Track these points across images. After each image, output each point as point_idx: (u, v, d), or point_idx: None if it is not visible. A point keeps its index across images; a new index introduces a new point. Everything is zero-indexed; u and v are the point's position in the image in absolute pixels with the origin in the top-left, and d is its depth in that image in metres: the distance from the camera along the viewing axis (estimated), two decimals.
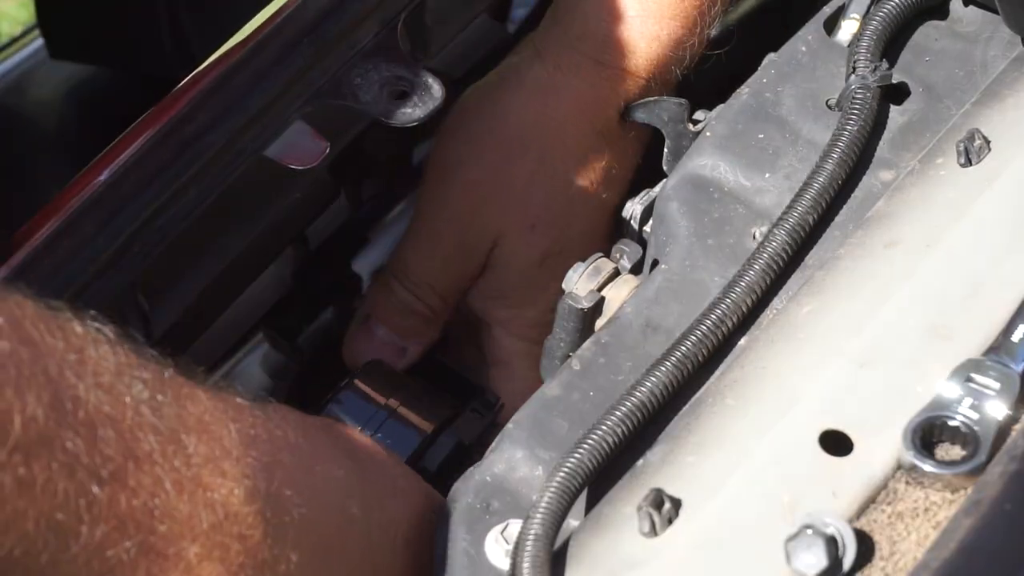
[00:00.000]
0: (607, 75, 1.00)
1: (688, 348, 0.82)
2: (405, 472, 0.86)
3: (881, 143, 0.91)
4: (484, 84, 1.01)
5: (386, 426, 0.94)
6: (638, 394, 0.80)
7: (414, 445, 0.94)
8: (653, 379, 0.80)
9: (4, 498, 0.58)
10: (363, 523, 0.78)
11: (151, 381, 0.67)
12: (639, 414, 0.79)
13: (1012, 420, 0.76)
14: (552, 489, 0.76)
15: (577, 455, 0.77)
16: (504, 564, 0.78)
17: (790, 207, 0.87)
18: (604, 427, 0.78)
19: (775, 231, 0.86)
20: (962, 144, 0.87)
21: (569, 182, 1.03)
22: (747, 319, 0.85)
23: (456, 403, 0.99)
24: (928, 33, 0.96)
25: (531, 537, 0.75)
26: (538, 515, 0.75)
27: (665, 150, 1.02)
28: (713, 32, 1.02)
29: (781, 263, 0.85)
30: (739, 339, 0.84)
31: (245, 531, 0.69)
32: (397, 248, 1.06)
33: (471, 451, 0.95)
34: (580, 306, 0.89)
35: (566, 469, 0.77)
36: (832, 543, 0.71)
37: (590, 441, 0.78)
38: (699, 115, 1.01)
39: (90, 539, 0.62)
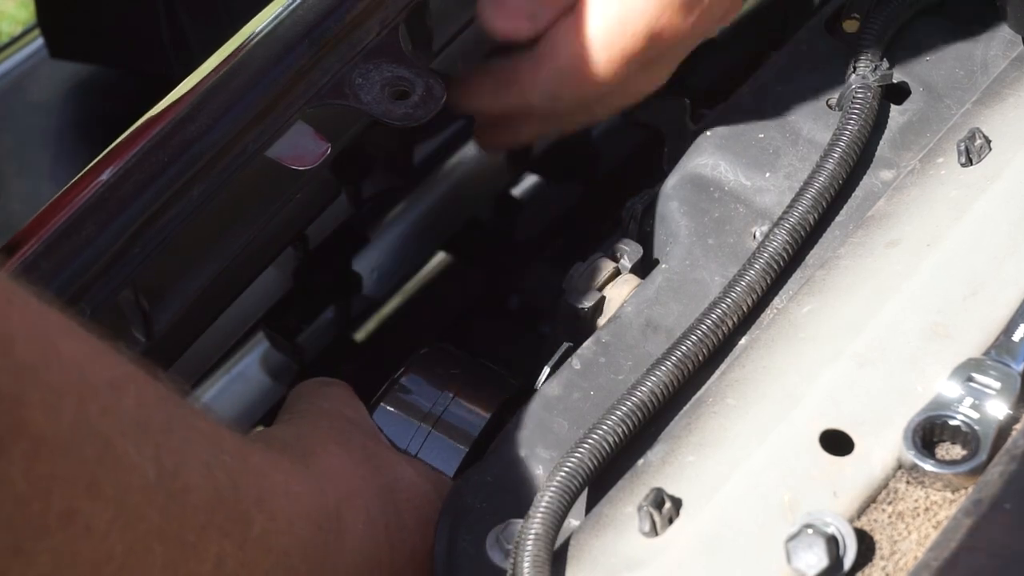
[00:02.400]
0: None
1: (688, 348, 0.82)
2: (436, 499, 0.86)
3: (882, 143, 0.91)
4: None
5: (444, 418, 0.92)
6: (639, 394, 0.80)
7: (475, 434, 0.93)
8: (653, 379, 0.81)
9: None
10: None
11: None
12: (639, 414, 0.79)
13: (1012, 420, 0.76)
14: (552, 489, 0.76)
15: (577, 455, 0.77)
16: (504, 564, 0.78)
17: (790, 207, 0.87)
18: (604, 427, 0.79)
19: (775, 231, 0.86)
20: (963, 143, 0.87)
21: None
22: (747, 319, 0.85)
23: (510, 383, 0.97)
24: (929, 32, 0.96)
25: (531, 537, 0.75)
26: (538, 515, 0.75)
27: (665, 150, 1.02)
28: None
29: (781, 263, 0.85)
30: (740, 339, 0.85)
31: None
32: None
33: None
34: (580, 305, 0.89)
35: (566, 469, 0.77)
36: (833, 542, 0.71)
37: (590, 441, 0.78)
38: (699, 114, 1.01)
39: None
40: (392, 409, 0.91)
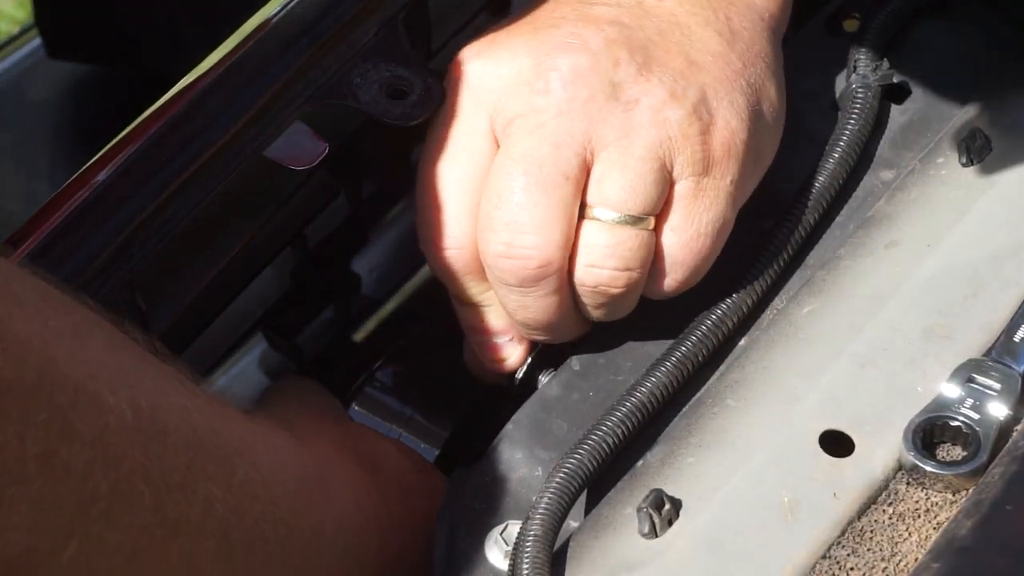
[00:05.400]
0: None
1: (688, 348, 0.82)
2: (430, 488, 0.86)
3: (882, 142, 0.91)
4: None
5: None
6: (638, 395, 0.80)
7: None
8: (653, 380, 0.80)
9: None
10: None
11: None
12: (639, 415, 0.79)
13: (1013, 421, 0.76)
14: (552, 490, 0.76)
15: (577, 456, 0.77)
16: (503, 564, 0.78)
17: (791, 207, 0.87)
18: (604, 428, 0.78)
19: (777, 231, 0.86)
20: (963, 143, 0.87)
21: None
22: (747, 319, 0.84)
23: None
24: (929, 32, 0.96)
25: (531, 538, 0.75)
26: (538, 516, 0.75)
27: None
28: None
29: (782, 263, 0.85)
30: (739, 340, 0.84)
31: None
32: None
33: None
34: None
35: (566, 470, 0.77)
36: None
37: (590, 442, 0.78)
38: None
39: None
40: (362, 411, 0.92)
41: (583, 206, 0.79)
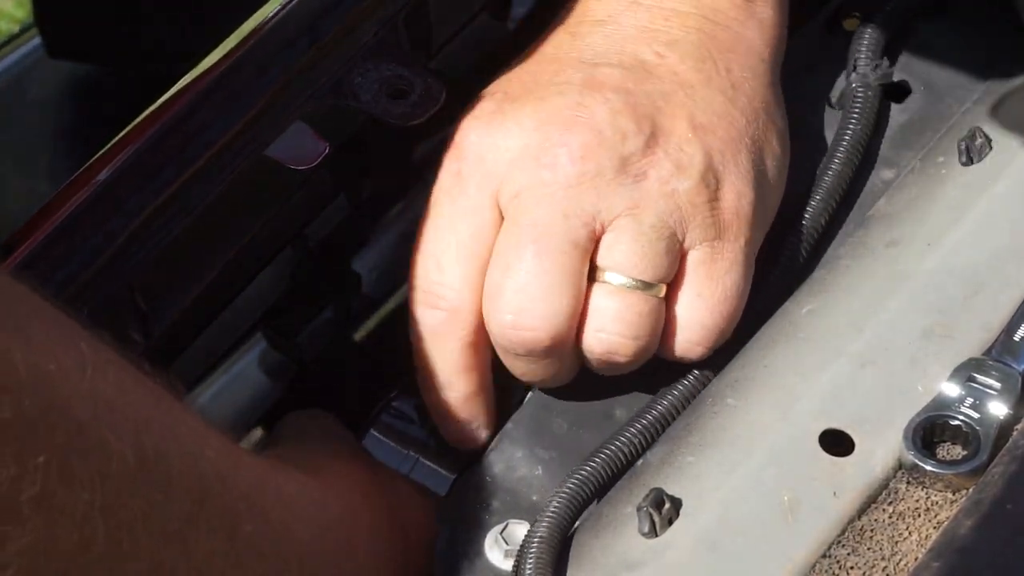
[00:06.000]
0: None
1: (709, 359, 0.82)
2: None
3: (882, 142, 0.91)
4: None
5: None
6: (660, 407, 0.80)
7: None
8: (675, 393, 0.81)
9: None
10: None
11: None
12: (658, 427, 0.80)
13: (1014, 419, 0.75)
14: (563, 495, 0.76)
15: (592, 464, 0.78)
16: (503, 564, 0.78)
17: (801, 212, 0.86)
18: (623, 439, 0.79)
19: (789, 237, 0.85)
20: (963, 143, 0.87)
21: None
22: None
23: None
24: (929, 31, 0.96)
25: (536, 540, 0.75)
26: (546, 519, 0.75)
27: None
28: None
29: (797, 268, 0.85)
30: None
31: None
32: None
33: None
34: None
35: (579, 476, 0.77)
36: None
37: (607, 451, 0.78)
38: None
39: None
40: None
41: (593, 270, 0.79)
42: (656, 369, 0.82)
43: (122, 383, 0.63)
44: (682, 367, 0.82)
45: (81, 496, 0.58)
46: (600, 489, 0.78)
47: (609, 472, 0.78)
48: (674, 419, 0.80)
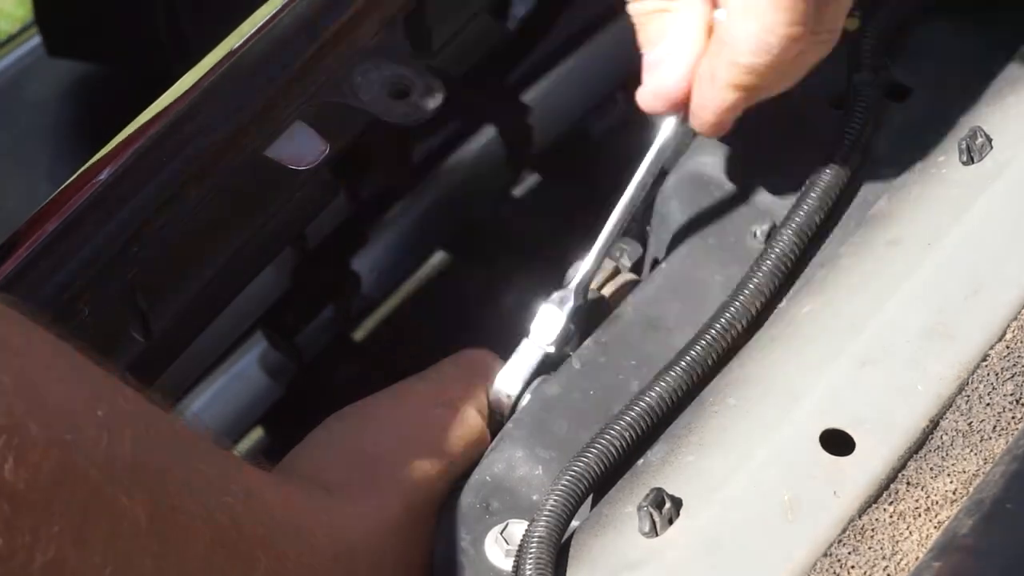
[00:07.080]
0: None
1: (699, 353, 0.82)
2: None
3: (883, 141, 0.91)
4: None
5: None
6: (648, 399, 0.80)
7: None
8: (663, 384, 0.80)
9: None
10: None
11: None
12: (648, 419, 0.79)
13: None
14: (558, 492, 0.76)
15: (585, 459, 0.77)
16: (503, 564, 0.78)
17: (796, 207, 0.87)
18: (613, 431, 0.78)
19: (783, 232, 0.86)
20: (964, 142, 0.87)
21: None
22: (756, 322, 0.84)
23: None
24: (930, 30, 0.96)
25: (535, 539, 0.75)
26: (543, 518, 0.75)
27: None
28: None
29: (789, 264, 0.85)
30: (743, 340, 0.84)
31: None
32: None
33: None
34: (580, 304, 0.89)
35: (573, 472, 0.77)
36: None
37: (598, 445, 0.78)
38: None
39: None
40: None
41: None
42: (654, 369, 0.82)
43: (140, 440, 0.63)
44: (675, 358, 0.82)
45: (93, 558, 0.58)
46: (595, 483, 0.77)
47: (602, 465, 0.78)
48: (663, 409, 0.80)
